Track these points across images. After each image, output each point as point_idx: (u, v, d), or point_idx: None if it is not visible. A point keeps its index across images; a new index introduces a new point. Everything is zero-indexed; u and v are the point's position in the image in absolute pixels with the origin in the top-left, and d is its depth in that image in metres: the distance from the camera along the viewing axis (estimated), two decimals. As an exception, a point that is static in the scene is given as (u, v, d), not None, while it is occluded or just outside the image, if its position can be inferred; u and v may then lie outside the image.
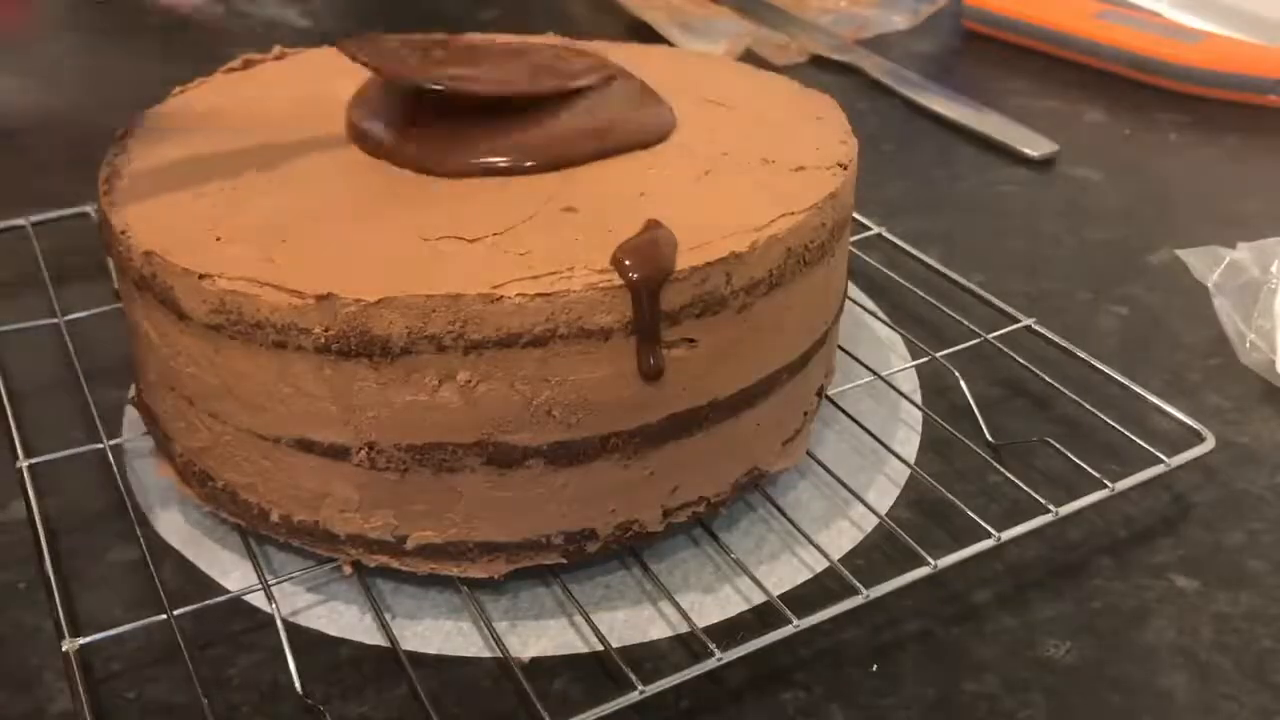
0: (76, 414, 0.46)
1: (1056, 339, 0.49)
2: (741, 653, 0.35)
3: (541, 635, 0.37)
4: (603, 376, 0.34)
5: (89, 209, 0.56)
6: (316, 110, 0.43)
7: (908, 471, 0.44)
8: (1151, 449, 0.42)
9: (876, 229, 0.57)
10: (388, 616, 0.37)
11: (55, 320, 0.49)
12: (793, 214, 0.37)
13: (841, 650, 0.37)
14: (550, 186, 0.38)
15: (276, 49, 0.48)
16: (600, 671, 0.36)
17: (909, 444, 0.46)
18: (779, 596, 0.37)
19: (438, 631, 0.37)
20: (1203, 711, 0.36)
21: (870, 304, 0.53)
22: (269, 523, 0.38)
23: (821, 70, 0.82)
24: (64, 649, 0.35)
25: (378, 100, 0.42)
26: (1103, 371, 0.47)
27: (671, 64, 0.47)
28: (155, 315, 0.36)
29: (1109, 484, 0.41)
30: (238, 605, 0.38)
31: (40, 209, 0.57)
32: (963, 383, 0.47)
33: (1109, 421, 0.45)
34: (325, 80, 0.45)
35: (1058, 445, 0.43)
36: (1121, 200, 0.65)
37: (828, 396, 0.45)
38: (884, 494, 0.43)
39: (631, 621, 0.38)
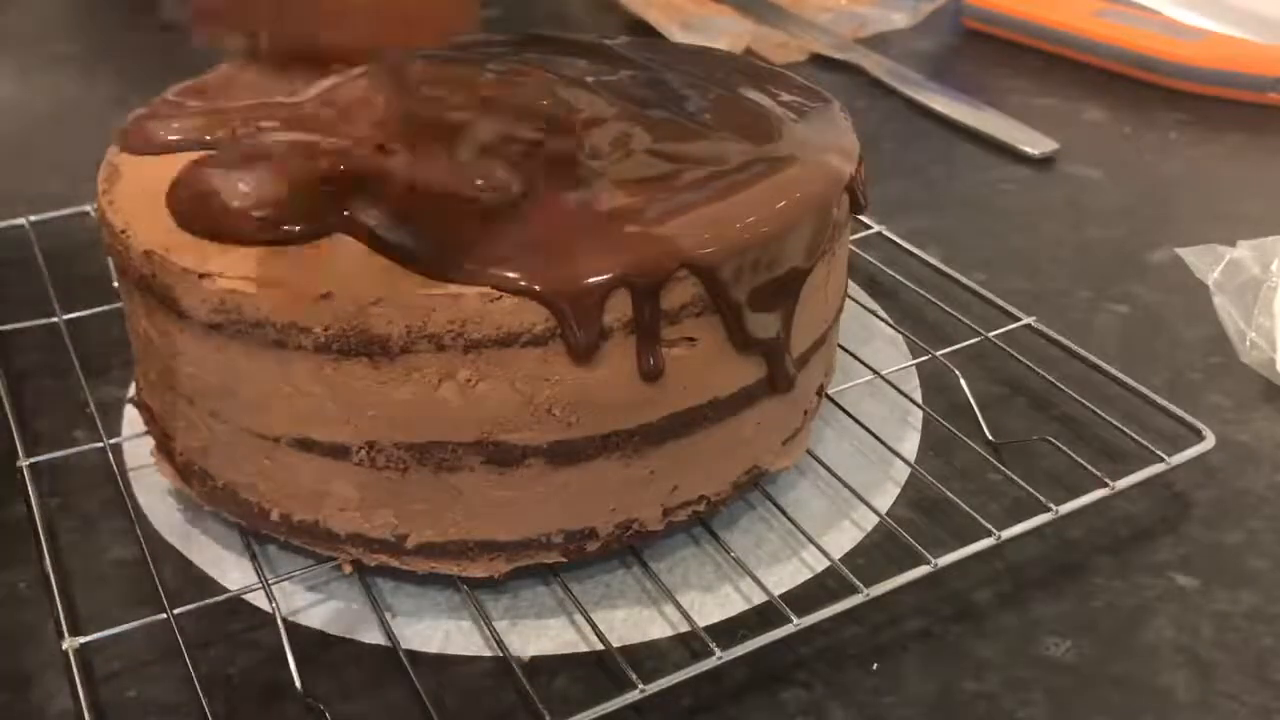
0: (76, 414, 0.46)
1: (1057, 337, 0.49)
2: (742, 651, 0.35)
3: (542, 634, 0.37)
4: (603, 376, 0.34)
5: (89, 209, 0.56)
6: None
7: (908, 470, 0.44)
8: (1152, 448, 0.42)
9: (877, 227, 0.57)
10: (388, 615, 0.37)
11: (55, 320, 0.49)
12: (793, 213, 0.37)
13: (842, 649, 0.37)
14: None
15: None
16: (600, 670, 0.36)
17: (909, 442, 0.46)
18: (779, 595, 0.37)
19: (438, 630, 0.37)
20: (1203, 710, 0.36)
21: (870, 303, 0.53)
22: (269, 522, 0.38)
23: (821, 69, 0.82)
24: (64, 648, 0.35)
25: None
26: (1103, 370, 0.47)
27: (678, 56, 0.47)
28: (155, 315, 0.36)
29: (1109, 482, 0.41)
30: (238, 604, 0.38)
31: (40, 209, 0.57)
32: (963, 381, 0.47)
33: (1109, 420, 0.45)
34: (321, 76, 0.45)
35: (1058, 444, 0.43)
36: (1122, 198, 0.65)
37: (828, 395, 0.45)
38: (884, 493, 0.43)
39: (632, 620, 0.38)
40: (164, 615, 0.36)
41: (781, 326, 0.38)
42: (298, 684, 0.34)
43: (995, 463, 0.43)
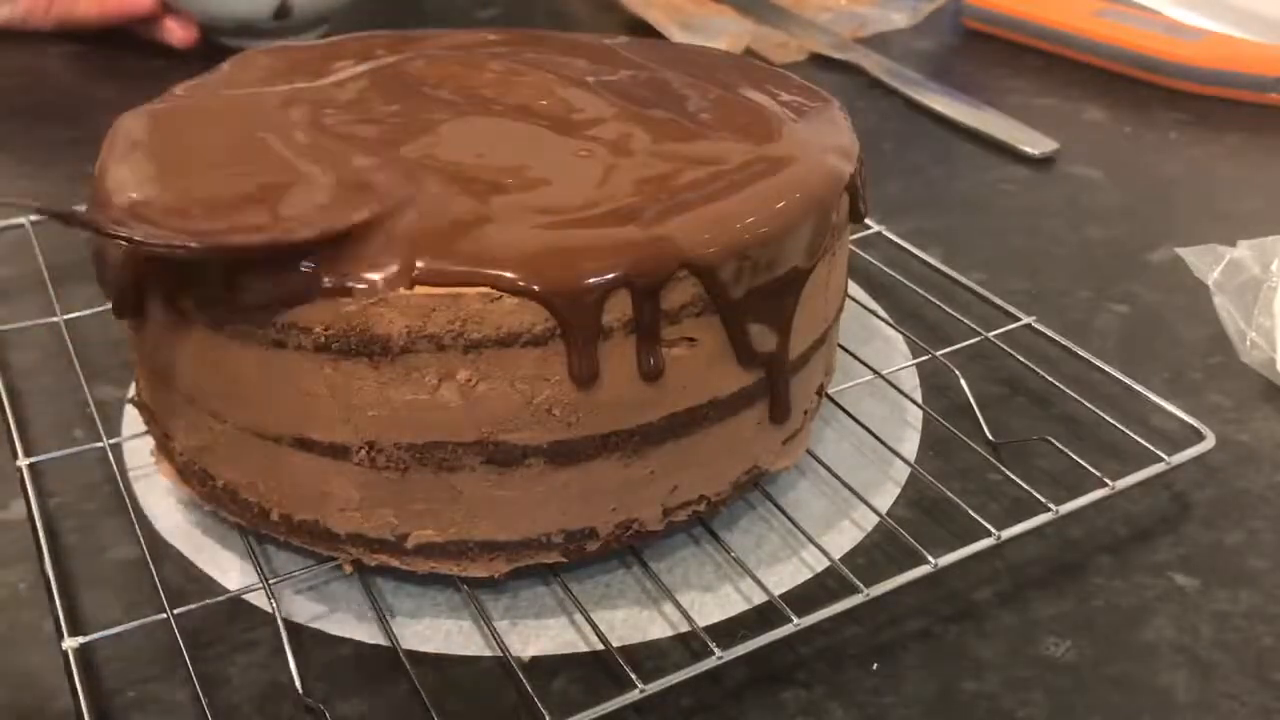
0: (76, 413, 0.46)
1: (1057, 337, 0.49)
2: (742, 651, 0.35)
3: (542, 634, 0.37)
4: (603, 376, 0.34)
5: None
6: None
7: (908, 470, 0.44)
8: (1152, 447, 0.42)
9: (876, 227, 0.57)
10: (388, 615, 0.37)
11: (55, 319, 0.49)
12: (793, 213, 0.37)
13: (842, 649, 0.37)
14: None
15: (278, 45, 0.48)
16: (600, 670, 0.36)
17: (909, 442, 0.46)
18: (779, 595, 0.37)
19: (438, 630, 0.37)
20: (1203, 710, 0.36)
21: (871, 302, 0.53)
22: (269, 522, 0.38)
23: (821, 69, 0.82)
24: (64, 648, 0.35)
25: None
26: (1103, 370, 0.47)
27: (677, 56, 0.47)
28: (155, 314, 0.36)
29: (1109, 482, 0.41)
30: (238, 604, 0.38)
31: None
32: (963, 381, 0.47)
33: (1109, 420, 0.45)
34: (324, 74, 0.45)
35: (1058, 444, 0.43)
36: (1122, 198, 0.65)
37: (828, 395, 0.45)
38: (884, 493, 0.43)
39: (632, 620, 0.38)
40: (164, 615, 0.36)
41: (782, 339, 0.38)
42: (298, 684, 0.34)
43: (995, 463, 0.43)
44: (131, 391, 0.44)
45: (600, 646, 0.36)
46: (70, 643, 0.35)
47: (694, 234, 0.35)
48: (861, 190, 0.41)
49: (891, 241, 0.57)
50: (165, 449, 0.40)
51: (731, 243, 0.35)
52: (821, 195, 0.38)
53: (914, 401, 0.47)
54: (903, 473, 0.44)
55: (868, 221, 0.57)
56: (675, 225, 0.35)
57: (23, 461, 0.42)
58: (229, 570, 0.39)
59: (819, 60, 0.83)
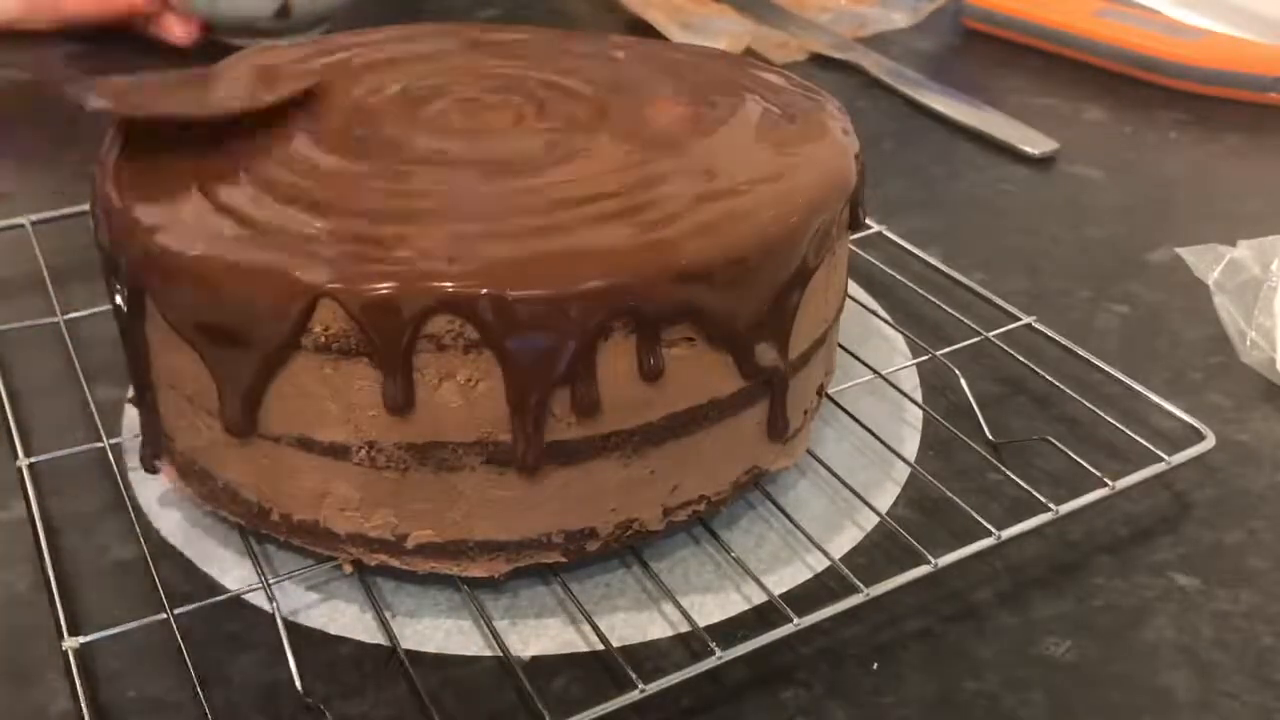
0: (76, 413, 0.46)
1: (1057, 337, 0.49)
2: (742, 651, 0.35)
3: (542, 634, 0.37)
4: (603, 376, 0.34)
5: (89, 208, 0.56)
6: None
7: (908, 470, 0.44)
8: (1152, 447, 0.42)
9: (877, 227, 0.57)
10: (388, 615, 0.37)
11: (55, 319, 0.49)
12: (793, 212, 0.37)
13: (842, 649, 0.37)
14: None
15: (270, 45, 0.48)
16: (600, 670, 0.36)
17: (909, 442, 0.46)
18: (779, 595, 0.37)
19: (438, 630, 0.37)
20: (1203, 709, 0.36)
21: (871, 302, 0.53)
22: (269, 521, 0.38)
23: (821, 68, 0.82)
24: (64, 648, 0.35)
25: None
26: (1103, 370, 0.47)
27: (676, 57, 0.47)
28: (155, 314, 0.36)
29: (1109, 482, 0.41)
30: (238, 604, 0.38)
31: (40, 209, 0.57)
32: (963, 381, 0.47)
33: (1109, 420, 0.45)
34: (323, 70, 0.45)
35: (1058, 443, 0.43)
36: (1122, 198, 0.65)
37: (828, 395, 0.45)
38: (884, 492, 0.43)
39: (632, 620, 0.38)
40: (164, 615, 0.36)
41: (781, 345, 0.38)
42: (298, 684, 0.34)
43: (995, 463, 0.43)
44: (131, 391, 0.44)
45: (600, 646, 0.36)
46: (70, 643, 0.35)
47: (693, 240, 0.35)
48: (861, 196, 0.41)
49: (891, 241, 0.57)
50: (165, 449, 0.40)
51: (730, 249, 0.35)
52: (822, 200, 0.38)
53: (914, 401, 0.47)
54: (903, 473, 0.44)
55: (868, 221, 0.57)
56: (674, 231, 0.35)
57: (23, 461, 0.42)
58: (229, 569, 0.39)
59: (819, 60, 0.83)
